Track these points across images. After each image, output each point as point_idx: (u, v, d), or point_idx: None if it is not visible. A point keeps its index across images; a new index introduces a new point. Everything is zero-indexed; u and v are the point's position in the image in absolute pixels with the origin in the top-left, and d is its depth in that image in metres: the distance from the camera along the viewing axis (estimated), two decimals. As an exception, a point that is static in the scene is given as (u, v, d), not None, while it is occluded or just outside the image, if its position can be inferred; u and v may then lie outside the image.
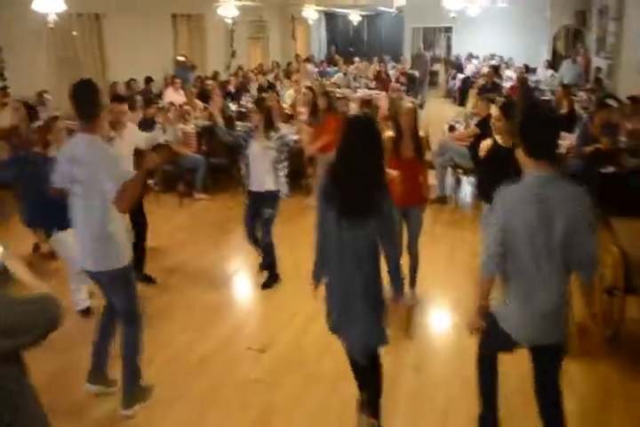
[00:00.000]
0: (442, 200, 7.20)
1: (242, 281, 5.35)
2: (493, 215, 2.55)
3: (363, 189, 2.72)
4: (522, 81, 10.78)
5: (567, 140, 7.09)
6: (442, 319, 4.66)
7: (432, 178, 7.46)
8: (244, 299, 5.11)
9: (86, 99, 3.05)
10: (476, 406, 3.36)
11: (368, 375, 3.06)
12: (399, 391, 3.59)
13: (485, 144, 4.34)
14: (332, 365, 3.77)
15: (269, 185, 4.87)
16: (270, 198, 4.90)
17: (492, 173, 3.93)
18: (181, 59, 12.33)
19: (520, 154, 2.49)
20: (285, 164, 4.89)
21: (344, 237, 2.75)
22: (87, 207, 3.07)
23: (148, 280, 5.07)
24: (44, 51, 9.20)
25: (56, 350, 3.75)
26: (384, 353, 3.98)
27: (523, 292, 2.58)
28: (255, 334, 4.34)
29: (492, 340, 2.80)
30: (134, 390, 3.37)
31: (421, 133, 4.52)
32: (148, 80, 10.61)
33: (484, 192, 4.37)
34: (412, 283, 4.73)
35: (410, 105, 4.49)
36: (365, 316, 2.84)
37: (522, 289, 2.58)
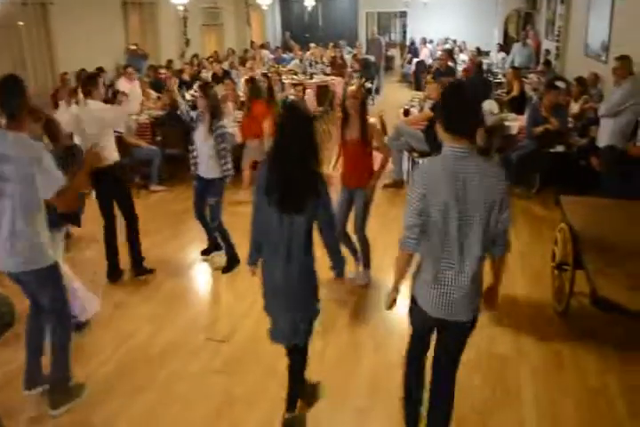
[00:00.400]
0: (398, 184, 7.28)
1: (201, 271, 5.33)
2: (412, 189, 2.52)
3: (301, 175, 2.75)
4: (478, 64, 10.92)
5: (518, 122, 7.25)
6: (398, 300, 4.72)
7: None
8: (204, 289, 5.09)
9: (11, 95, 2.98)
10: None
11: (298, 361, 3.14)
12: (360, 373, 3.66)
13: None
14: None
15: (213, 172, 4.90)
16: (213, 186, 4.94)
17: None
18: (133, 47, 12.08)
19: (439, 128, 2.49)
20: (228, 154, 4.89)
21: (282, 222, 2.79)
22: (14, 206, 2.98)
23: (148, 272, 5.09)
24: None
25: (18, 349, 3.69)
26: (344, 335, 4.06)
27: (436, 268, 2.58)
28: (215, 324, 4.33)
29: (414, 318, 2.82)
30: (63, 390, 3.35)
31: (373, 118, 4.55)
32: (99, 71, 10.34)
33: None
34: (366, 264, 4.82)
35: (353, 87, 4.53)
36: (299, 300, 2.92)
37: (435, 265, 2.57)
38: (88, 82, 4.73)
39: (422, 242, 2.57)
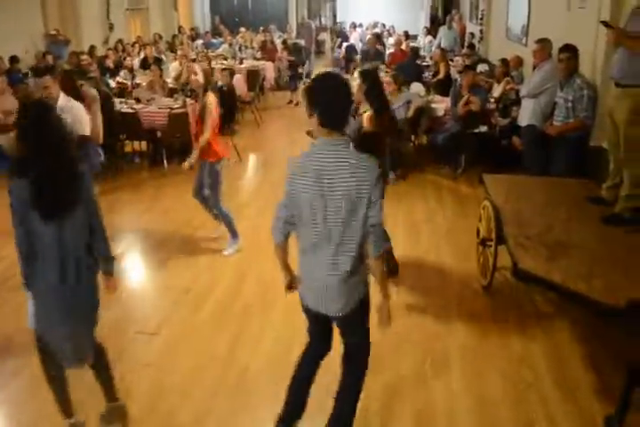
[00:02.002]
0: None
1: (130, 263, 5.22)
2: (285, 182, 2.50)
3: (63, 179, 2.58)
4: (414, 50, 11.04)
5: (444, 104, 7.41)
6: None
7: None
8: (131, 281, 4.96)
9: None
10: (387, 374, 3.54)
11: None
12: (296, 357, 3.67)
13: (367, 116, 4.27)
14: (225, 340, 3.82)
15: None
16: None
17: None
18: (53, 33, 11.55)
19: (313, 121, 2.45)
20: None
21: (50, 232, 2.59)
22: None
23: None
24: None
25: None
26: (279, 321, 4.06)
27: (308, 260, 2.56)
28: (145, 316, 4.25)
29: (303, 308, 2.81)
30: None
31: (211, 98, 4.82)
32: (13, 60, 9.83)
33: None
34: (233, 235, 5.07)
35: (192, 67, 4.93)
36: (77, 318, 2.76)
37: (307, 257, 2.55)
38: None
39: (296, 232, 2.56)
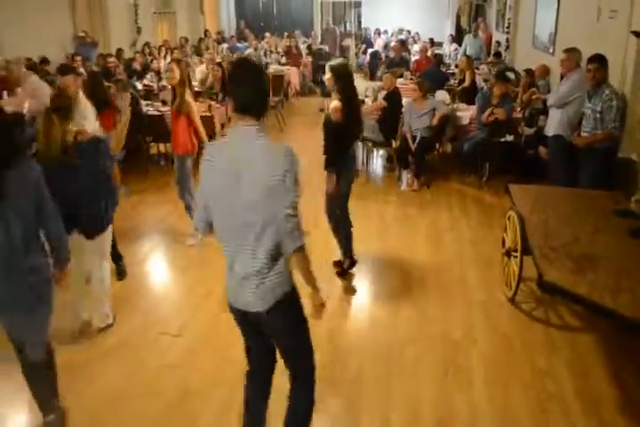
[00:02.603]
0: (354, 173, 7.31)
1: (154, 264, 5.27)
2: (200, 168, 2.43)
3: None
4: (437, 57, 11.03)
5: (469, 112, 7.38)
6: (353, 289, 4.78)
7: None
8: (155, 282, 5.02)
9: None
10: (384, 371, 3.54)
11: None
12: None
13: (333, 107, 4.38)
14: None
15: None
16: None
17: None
18: (82, 35, 11.73)
19: (230, 107, 2.47)
20: None
21: None
22: None
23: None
24: None
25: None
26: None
27: (227, 255, 2.45)
28: (168, 318, 4.29)
29: None
30: None
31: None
32: (43, 61, 9.99)
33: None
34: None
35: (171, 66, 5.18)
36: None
37: (226, 252, 2.45)
38: None
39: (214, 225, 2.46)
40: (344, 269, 4.79)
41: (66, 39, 11.53)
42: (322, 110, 11.66)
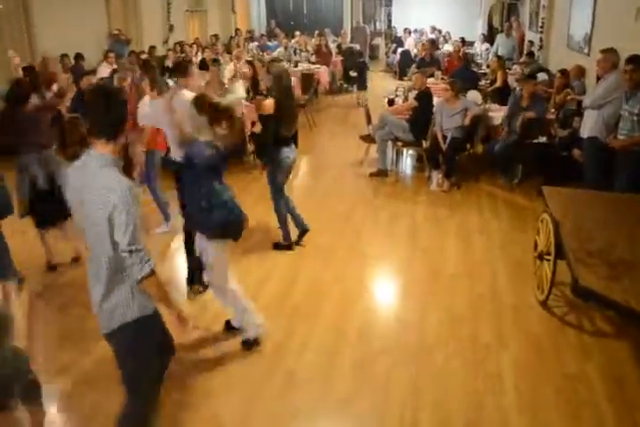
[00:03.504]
0: (383, 173, 7.30)
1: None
2: None
3: None
4: (465, 56, 10.94)
5: (501, 113, 7.29)
6: (382, 289, 4.77)
7: (373, 151, 7.60)
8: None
9: None
10: (414, 372, 3.52)
11: None
12: (343, 359, 3.69)
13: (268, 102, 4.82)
14: (272, 342, 3.86)
15: None
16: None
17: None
18: (116, 32, 11.91)
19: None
20: None
21: None
22: None
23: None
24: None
25: None
26: (327, 324, 4.07)
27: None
28: (197, 312, 4.31)
29: None
30: None
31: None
32: (78, 57, 10.16)
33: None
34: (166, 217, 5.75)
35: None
36: None
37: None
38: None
39: None
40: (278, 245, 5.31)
41: (101, 36, 11.71)
42: (359, 104, 11.74)
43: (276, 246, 5.29)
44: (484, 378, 3.49)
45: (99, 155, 2.37)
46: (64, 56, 9.91)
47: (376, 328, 4.06)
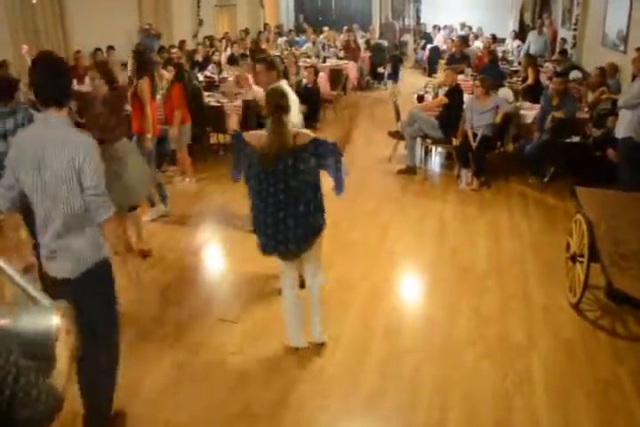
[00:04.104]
0: (411, 170, 7.25)
1: (213, 251, 5.36)
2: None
3: None
4: (492, 53, 10.78)
5: (533, 111, 7.19)
6: (410, 287, 4.75)
7: (401, 148, 7.55)
8: (214, 268, 5.10)
9: None
10: (441, 371, 3.50)
11: None
12: (370, 356, 3.69)
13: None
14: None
15: None
16: None
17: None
18: (147, 27, 12.02)
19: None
20: None
21: None
22: None
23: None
24: (1, 18, 8.82)
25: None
26: (355, 322, 4.07)
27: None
28: (226, 304, 4.35)
29: None
30: None
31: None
32: (109, 48, 10.27)
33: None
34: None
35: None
36: None
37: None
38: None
39: None
40: None
41: (132, 31, 11.83)
42: (393, 95, 11.68)
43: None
44: (513, 378, 3.45)
45: (55, 116, 2.58)
46: (97, 50, 10.05)
47: (403, 326, 4.04)
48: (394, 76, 13.20)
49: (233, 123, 7.38)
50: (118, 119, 4.62)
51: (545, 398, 3.30)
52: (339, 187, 3.45)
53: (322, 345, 3.74)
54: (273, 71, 4.64)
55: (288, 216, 3.29)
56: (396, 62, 13.36)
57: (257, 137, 3.33)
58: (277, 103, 3.28)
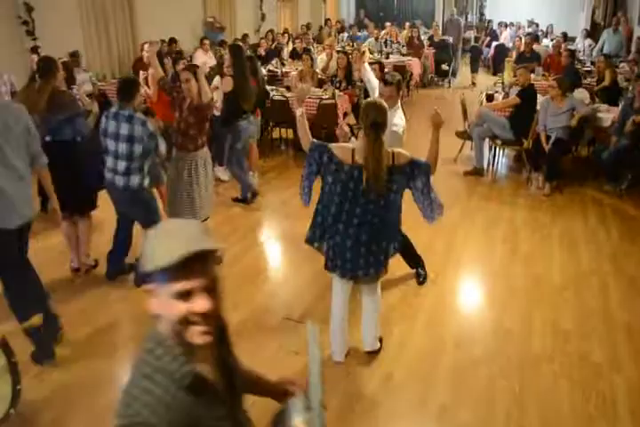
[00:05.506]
0: (478, 172, 7.01)
1: (279, 247, 5.30)
2: None
3: None
4: (572, 54, 10.33)
5: (611, 114, 6.83)
6: (480, 295, 4.55)
7: (467, 149, 7.32)
8: (280, 266, 5.02)
9: None
10: (518, 387, 3.32)
11: None
12: (442, 365, 3.53)
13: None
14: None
15: None
16: None
17: None
18: (211, 20, 12.09)
19: None
20: None
21: None
22: None
23: None
24: (75, 10, 8.98)
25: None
26: (425, 331, 3.90)
27: None
28: (291, 304, 4.26)
29: None
30: None
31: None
32: (172, 41, 10.34)
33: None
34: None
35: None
36: None
37: None
38: None
39: None
40: (240, 200, 6.10)
41: (196, 24, 11.91)
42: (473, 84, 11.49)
43: (235, 200, 6.09)
44: (595, 401, 3.23)
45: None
46: (163, 42, 10.13)
47: (475, 335, 3.86)
48: (474, 66, 13.72)
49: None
50: (199, 131, 4.56)
51: (632, 423, 3.07)
52: (429, 213, 3.24)
53: (377, 352, 3.62)
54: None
55: (371, 240, 3.15)
56: (475, 53, 13.91)
57: (346, 151, 3.10)
58: (374, 120, 3.04)
